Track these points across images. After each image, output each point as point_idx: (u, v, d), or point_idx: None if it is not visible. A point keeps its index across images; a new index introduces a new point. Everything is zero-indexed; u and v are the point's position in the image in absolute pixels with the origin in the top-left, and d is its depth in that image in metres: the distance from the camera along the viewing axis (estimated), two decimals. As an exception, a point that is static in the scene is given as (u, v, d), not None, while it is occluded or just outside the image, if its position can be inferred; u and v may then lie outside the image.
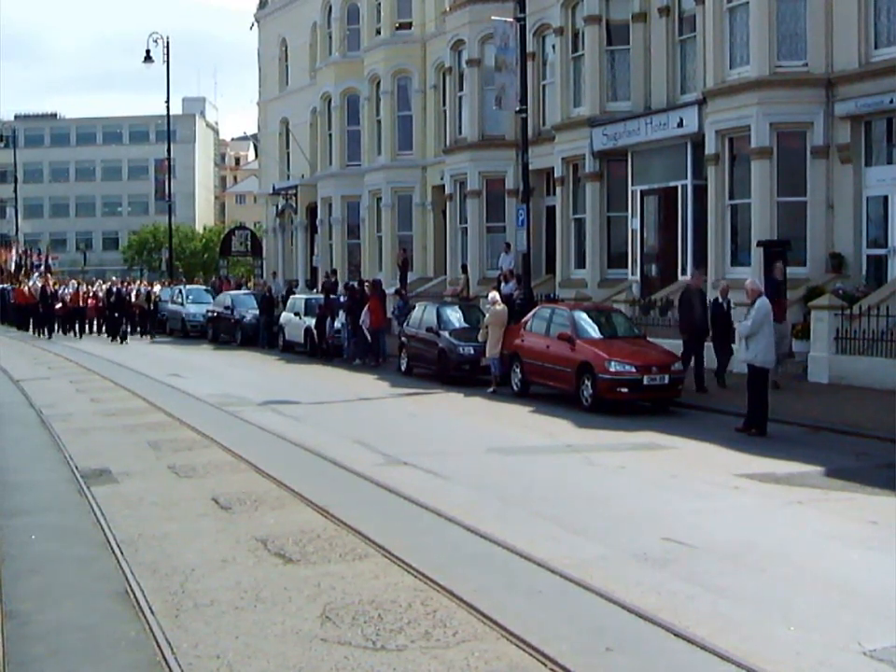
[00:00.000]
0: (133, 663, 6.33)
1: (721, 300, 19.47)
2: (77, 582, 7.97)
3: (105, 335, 37.60)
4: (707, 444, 14.14)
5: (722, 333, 19.24)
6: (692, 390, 18.51)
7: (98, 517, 9.82)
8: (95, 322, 40.25)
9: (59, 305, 39.24)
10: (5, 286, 51.31)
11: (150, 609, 7.13)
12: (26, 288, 43.26)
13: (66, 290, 40.61)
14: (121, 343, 34.85)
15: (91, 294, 40.56)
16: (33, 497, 11.13)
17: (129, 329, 37.07)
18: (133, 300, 38.47)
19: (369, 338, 26.10)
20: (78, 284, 43.49)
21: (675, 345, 20.41)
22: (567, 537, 9.14)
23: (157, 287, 43.50)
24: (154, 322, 38.10)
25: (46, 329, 38.60)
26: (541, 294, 27.47)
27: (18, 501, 10.83)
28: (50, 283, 44.41)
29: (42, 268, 56.80)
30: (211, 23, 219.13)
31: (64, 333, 39.15)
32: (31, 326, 40.93)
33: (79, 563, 8.50)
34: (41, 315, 39.47)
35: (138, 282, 48.91)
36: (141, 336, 37.47)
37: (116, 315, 36.59)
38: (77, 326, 38.85)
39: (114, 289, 39.19)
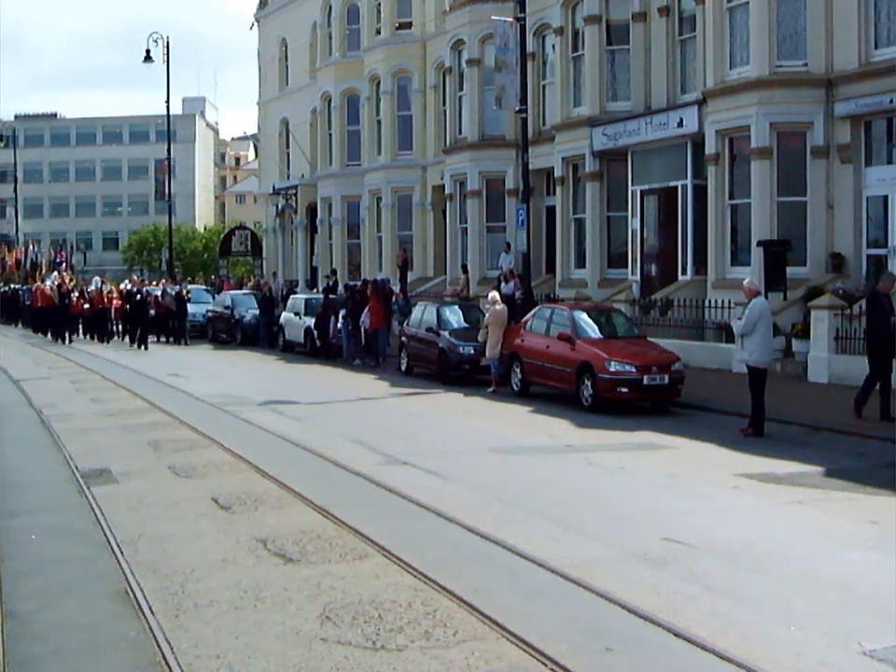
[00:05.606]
0: (133, 663, 6.33)
1: None
2: (77, 582, 7.97)
3: (122, 340, 35.05)
4: (706, 444, 14.13)
5: None
6: (874, 419, 14.92)
7: (98, 517, 9.81)
8: (118, 325, 36.38)
9: (87, 306, 36.01)
10: (14, 285, 50.55)
11: (150, 609, 7.12)
12: (46, 288, 39.20)
13: (91, 289, 37.51)
14: (140, 348, 31.81)
15: (115, 294, 36.32)
16: (33, 497, 11.12)
17: (159, 335, 34.29)
18: (160, 299, 34.03)
19: (363, 339, 26.14)
20: (102, 282, 39.70)
21: (675, 346, 20.46)
22: (567, 536, 9.14)
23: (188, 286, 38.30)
24: (184, 326, 34.14)
25: (65, 334, 35.20)
26: (541, 294, 27.49)
27: (18, 501, 10.83)
28: (66, 280, 41.66)
29: (64, 266, 53.88)
30: (211, 23, 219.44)
31: (87, 337, 36.27)
32: (50, 331, 37.34)
33: (79, 563, 8.49)
34: (60, 319, 35.99)
35: (164, 281, 42.93)
36: (168, 342, 34.10)
37: (136, 318, 33.43)
38: (104, 328, 35.46)
39: (134, 290, 35.07)
